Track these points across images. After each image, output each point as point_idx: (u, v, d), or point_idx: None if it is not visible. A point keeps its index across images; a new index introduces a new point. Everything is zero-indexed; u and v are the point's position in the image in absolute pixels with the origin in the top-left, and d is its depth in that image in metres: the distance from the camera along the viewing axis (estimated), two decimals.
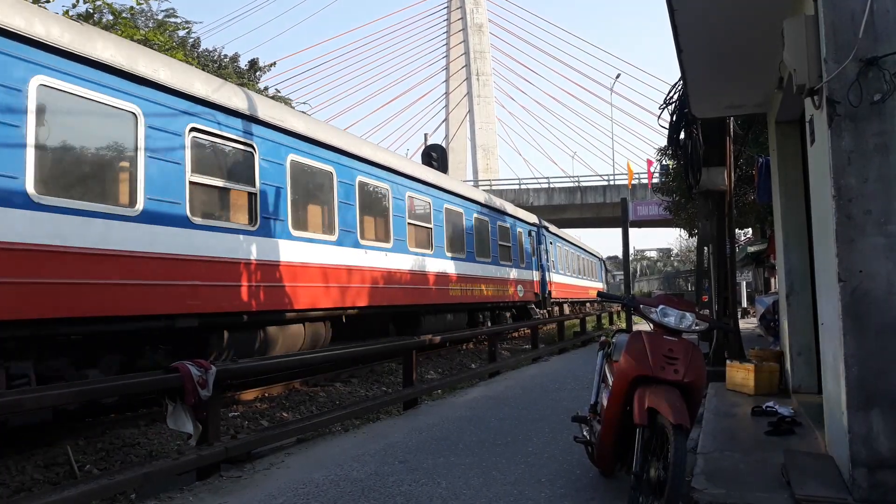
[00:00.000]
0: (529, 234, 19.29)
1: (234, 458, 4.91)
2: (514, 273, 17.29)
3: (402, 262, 11.37)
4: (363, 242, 10.11)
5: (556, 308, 23.15)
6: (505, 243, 16.82)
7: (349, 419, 6.66)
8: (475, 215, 14.91)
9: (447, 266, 13.13)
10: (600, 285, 37.02)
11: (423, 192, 12.53)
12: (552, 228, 23.14)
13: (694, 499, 3.39)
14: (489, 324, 15.57)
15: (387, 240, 10.97)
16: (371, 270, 10.28)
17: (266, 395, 8.50)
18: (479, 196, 15.87)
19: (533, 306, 19.07)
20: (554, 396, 7.74)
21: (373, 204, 10.71)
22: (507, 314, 17.47)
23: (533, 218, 20.19)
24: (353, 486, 4.25)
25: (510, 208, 18.17)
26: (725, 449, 4.38)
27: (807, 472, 3.59)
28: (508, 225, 17.31)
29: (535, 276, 19.50)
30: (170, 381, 4.65)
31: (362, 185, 10.23)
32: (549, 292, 20.54)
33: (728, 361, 7.15)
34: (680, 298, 3.94)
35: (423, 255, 12.20)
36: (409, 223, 11.75)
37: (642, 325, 3.76)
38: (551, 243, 22.34)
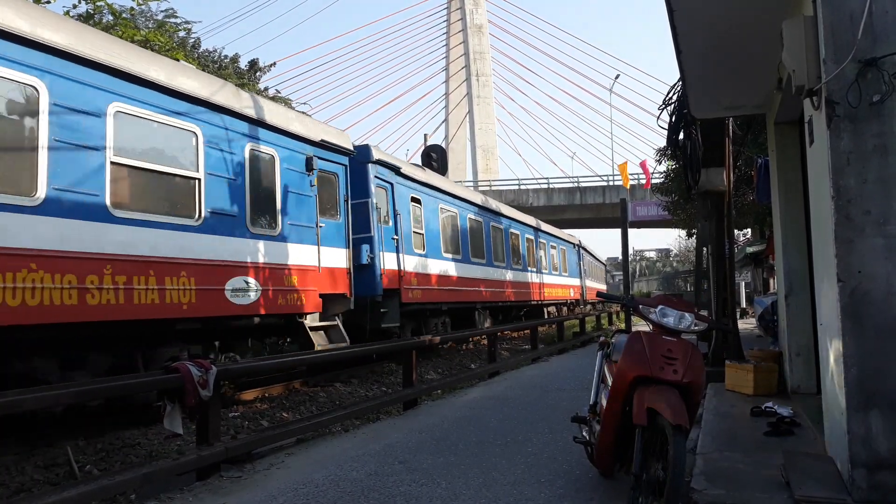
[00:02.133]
0: (308, 165, 8.92)
1: (235, 459, 4.91)
2: (210, 247, 7.18)
3: None
4: None
5: (444, 321, 13.89)
6: (172, 170, 6.83)
7: (349, 419, 6.66)
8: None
9: None
10: (576, 282, 26.89)
11: None
12: (416, 173, 12.90)
13: (693, 499, 3.40)
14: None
15: None
16: None
17: (266, 395, 8.51)
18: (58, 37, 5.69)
19: (337, 323, 9.42)
20: (553, 397, 7.74)
21: None
22: (184, 352, 7.12)
23: (330, 135, 9.61)
24: (353, 487, 4.25)
25: (217, 91, 7.52)
26: (725, 449, 4.38)
27: (806, 472, 3.59)
28: (192, 126, 7.09)
29: (338, 258, 9.62)
30: (170, 381, 4.66)
31: None
32: (399, 291, 11.29)
33: (727, 362, 7.15)
34: (679, 299, 3.95)
35: None
36: None
37: (641, 326, 3.77)
38: (417, 201, 12.65)
